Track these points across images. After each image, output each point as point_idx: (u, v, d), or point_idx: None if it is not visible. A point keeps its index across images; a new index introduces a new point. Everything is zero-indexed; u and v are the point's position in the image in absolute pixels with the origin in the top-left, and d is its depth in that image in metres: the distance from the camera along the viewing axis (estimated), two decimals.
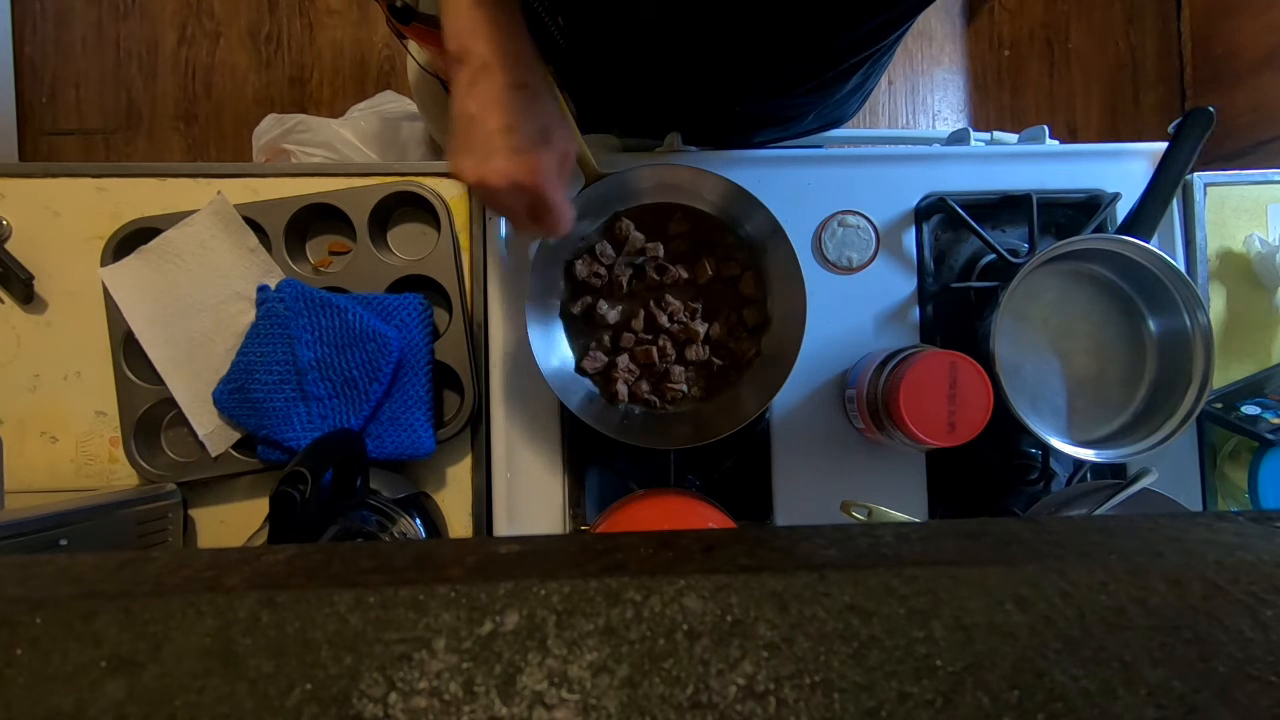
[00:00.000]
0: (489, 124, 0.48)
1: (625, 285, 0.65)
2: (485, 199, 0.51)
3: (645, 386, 0.65)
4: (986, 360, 0.60)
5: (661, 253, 0.65)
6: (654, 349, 0.64)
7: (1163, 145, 0.65)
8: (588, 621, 0.22)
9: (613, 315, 0.65)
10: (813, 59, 0.62)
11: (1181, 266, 0.64)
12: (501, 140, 0.48)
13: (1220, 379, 0.71)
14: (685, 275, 0.65)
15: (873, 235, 0.71)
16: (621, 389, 0.65)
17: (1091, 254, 0.65)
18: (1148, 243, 0.62)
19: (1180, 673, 0.20)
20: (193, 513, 0.68)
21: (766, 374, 0.64)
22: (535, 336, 0.62)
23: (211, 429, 0.67)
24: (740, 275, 0.66)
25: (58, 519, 0.55)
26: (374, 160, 1.16)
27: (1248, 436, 0.67)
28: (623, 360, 0.65)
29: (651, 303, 0.65)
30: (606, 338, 0.66)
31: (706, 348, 0.65)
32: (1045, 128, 0.74)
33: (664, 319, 0.65)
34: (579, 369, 0.66)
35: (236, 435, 0.67)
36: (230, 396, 0.66)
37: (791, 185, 0.70)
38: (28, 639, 0.21)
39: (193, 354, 0.67)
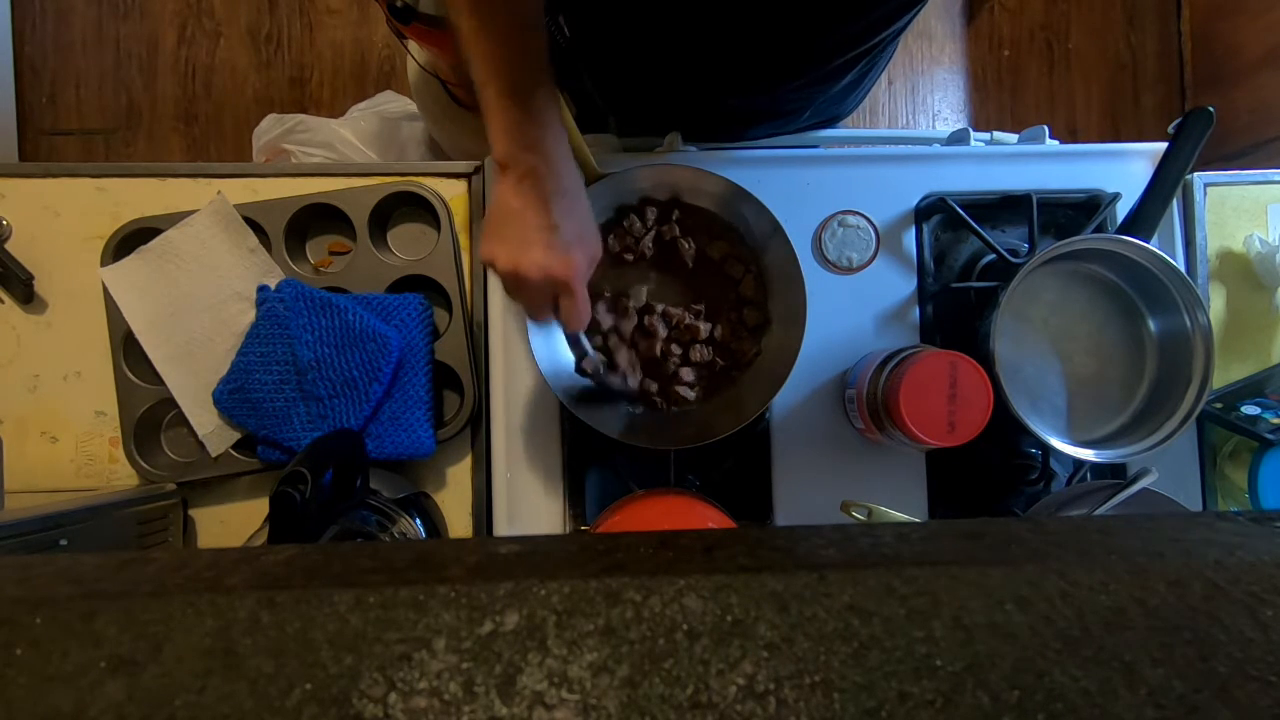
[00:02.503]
0: (532, 220, 0.51)
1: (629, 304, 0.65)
2: (514, 287, 0.53)
3: (654, 387, 0.65)
4: (986, 360, 0.60)
5: (678, 231, 0.65)
6: (656, 342, 0.64)
7: (1163, 145, 0.65)
8: (588, 621, 0.22)
9: (607, 320, 0.65)
10: (813, 50, 0.62)
11: (1181, 266, 0.64)
12: (543, 236, 0.51)
13: (1220, 379, 0.71)
14: (691, 248, 0.65)
15: (873, 235, 0.71)
16: (631, 381, 0.64)
17: (1091, 254, 0.65)
18: (1148, 243, 0.62)
19: (1180, 673, 0.20)
20: (193, 513, 0.68)
21: (767, 374, 0.64)
22: (535, 336, 0.62)
23: (211, 429, 0.67)
24: (741, 277, 0.66)
25: (58, 519, 0.55)
26: (374, 160, 1.16)
27: (1248, 436, 0.67)
28: (624, 356, 0.65)
29: (649, 316, 0.65)
30: (605, 340, 0.66)
31: (710, 348, 0.65)
32: (1045, 128, 0.74)
33: (662, 330, 0.65)
34: (578, 369, 0.66)
35: (236, 435, 0.67)
36: (230, 396, 0.66)
37: (791, 185, 0.70)
38: (28, 639, 0.21)
39: (193, 354, 0.67)
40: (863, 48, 0.62)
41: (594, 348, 0.66)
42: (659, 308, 0.65)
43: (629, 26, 0.62)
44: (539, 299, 0.53)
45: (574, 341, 0.59)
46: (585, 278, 0.54)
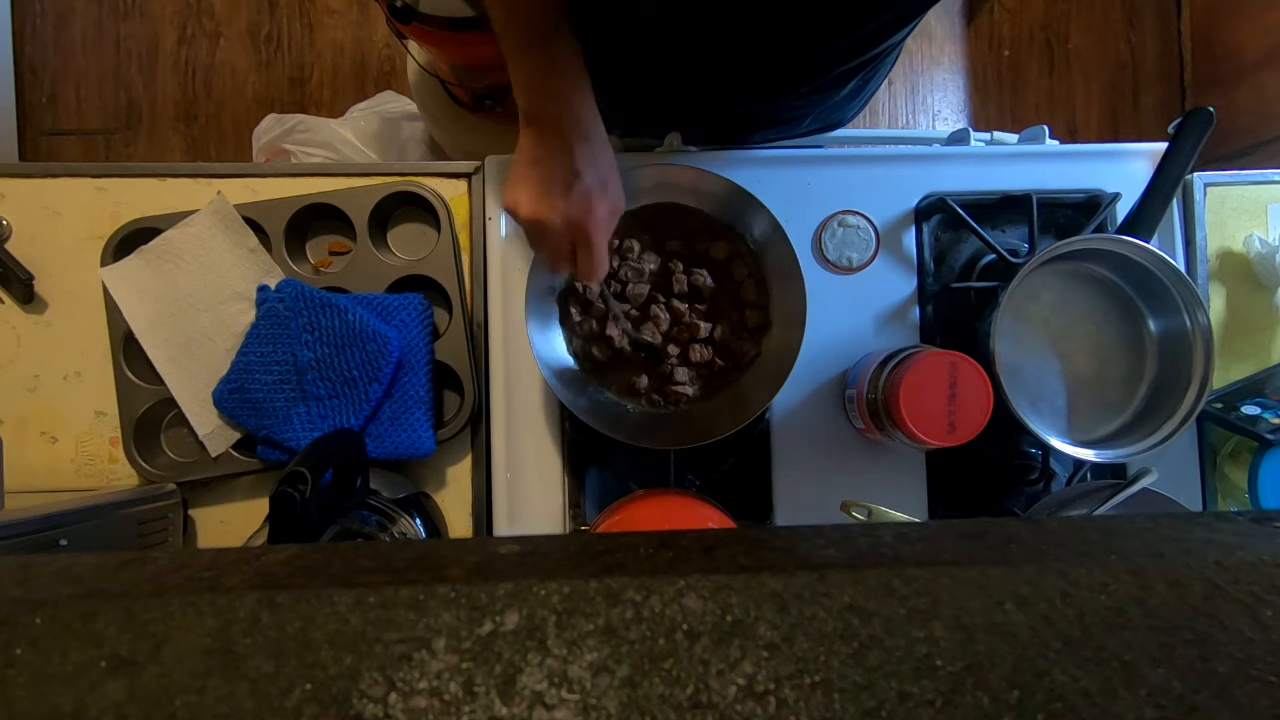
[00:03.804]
0: (554, 168, 0.51)
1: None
2: (534, 234, 0.53)
3: (646, 383, 0.65)
4: (986, 360, 0.60)
5: (680, 268, 0.65)
6: (657, 331, 0.64)
7: (1163, 145, 0.65)
8: (588, 621, 0.22)
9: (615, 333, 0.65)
10: (816, 58, 0.62)
11: (1181, 266, 0.64)
12: (564, 184, 0.51)
13: (1220, 379, 0.71)
14: (709, 282, 0.65)
15: (873, 235, 0.71)
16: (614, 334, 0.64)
17: (1091, 254, 0.65)
18: (1148, 243, 0.62)
19: (1180, 673, 0.20)
20: (193, 513, 0.68)
21: (767, 374, 0.64)
22: (535, 336, 0.62)
23: (211, 429, 0.67)
24: (743, 279, 0.66)
25: (58, 519, 0.55)
26: (374, 160, 1.16)
27: (1248, 436, 0.67)
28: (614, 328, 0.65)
29: (654, 305, 0.65)
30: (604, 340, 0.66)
31: (710, 349, 0.65)
32: (1045, 128, 0.74)
33: (664, 323, 0.65)
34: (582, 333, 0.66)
35: (236, 435, 0.67)
36: (230, 396, 0.66)
37: (791, 185, 0.70)
38: (28, 639, 0.21)
39: (193, 354, 0.67)
40: (858, 60, 0.62)
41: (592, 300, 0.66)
42: (663, 299, 0.65)
43: (634, 34, 0.62)
44: (559, 248, 0.53)
45: (603, 302, 0.60)
46: (606, 229, 0.54)
